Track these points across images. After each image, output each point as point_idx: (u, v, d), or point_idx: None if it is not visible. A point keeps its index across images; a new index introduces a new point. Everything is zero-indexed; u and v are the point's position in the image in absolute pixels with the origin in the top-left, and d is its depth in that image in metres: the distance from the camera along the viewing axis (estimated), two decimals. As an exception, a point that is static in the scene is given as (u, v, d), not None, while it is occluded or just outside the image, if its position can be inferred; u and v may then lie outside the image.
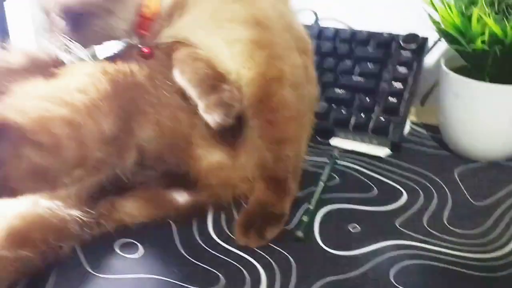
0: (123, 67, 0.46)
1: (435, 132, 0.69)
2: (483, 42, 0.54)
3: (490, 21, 0.53)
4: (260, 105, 0.49)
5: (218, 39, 0.49)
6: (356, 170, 0.62)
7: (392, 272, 0.45)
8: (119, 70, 0.46)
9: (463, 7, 0.56)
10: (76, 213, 0.46)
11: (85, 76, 0.44)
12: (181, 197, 0.52)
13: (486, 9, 0.54)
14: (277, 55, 0.49)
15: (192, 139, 0.48)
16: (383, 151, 0.64)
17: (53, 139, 0.39)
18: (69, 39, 0.47)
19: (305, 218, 0.52)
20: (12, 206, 0.44)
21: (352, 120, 0.67)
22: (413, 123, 0.72)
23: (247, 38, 0.48)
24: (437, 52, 0.76)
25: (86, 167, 0.42)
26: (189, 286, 0.43)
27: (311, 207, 0.53)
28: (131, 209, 0.49)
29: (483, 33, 0.54)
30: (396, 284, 0.44)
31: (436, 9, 0.60)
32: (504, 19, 0.54)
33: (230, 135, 0.49)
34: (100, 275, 0.45)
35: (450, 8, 0.57)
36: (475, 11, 0.54)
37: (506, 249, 0.48)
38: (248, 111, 0.49)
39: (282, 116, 0.49)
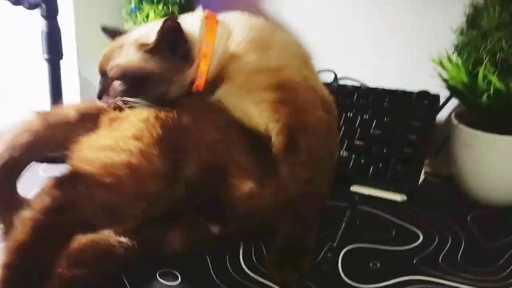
0: (171, 112, 0.54)
1: (447, 181, 0.74)
2: (488, 97, 0.61)
3: (494, 79, 0.60)
4: (286, 151, 0.55)
5: (247, 102, 0.57)
6: (375, 214, 0.67)
7: (411, 304, 0.49)
8: (168, 115, 0.53)
9: (470, 66, 0.63)
10: (124, 239, 0.51)
11: (140, 122, 0.52)
12: (215, 228, 0.57)
13: (491, 68, 0.61)
14: (301, 109, 0.56)
15: (228, 168, 0.54)
16: (399, 197, 0.69)
17: (117, 180, 0.47)
18: (125, 99, 0.55)
19: (329, 254, 0.56)
20: None
21: (371, 169, 0.72)
22: (427, 173, 0.77)
23: (271, 99, 0.56)
24: (450, 107, 0.82)
25: (146, 200, 0.48)
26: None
27: (335, 245, 0.58)
28: (172, 239, 0.54)
29: (488, 90, 0.61)
30: (415, 314, 0.48)
31: (445, 69, 0.67)
32: (506, 77, 0.60)
33: (262, 165, 0.55)
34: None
35: (458, 67, 0.64)
36: (481, 70, 0.61)
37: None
38: (278, 156, 0.55)
39: (306, 160, 0.55)
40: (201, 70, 0.57)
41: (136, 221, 0.51)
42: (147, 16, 0.87)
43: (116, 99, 0.56)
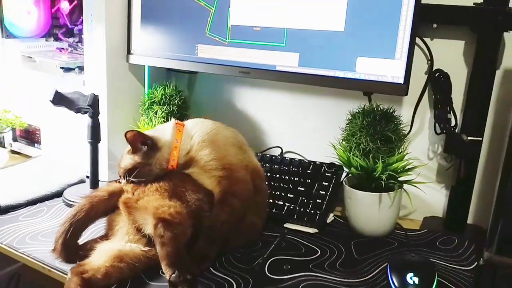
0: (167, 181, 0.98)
1: (346, 221, 1.16)
2: (356, 169, 1.04)
3: (358, 160, 1.03)
4: (218, 204, 0.97)
5: (204, 177, 0.99)
6: (297, 240, 1.08)
7: (302, 286, 0.90)
8: (166, 184, 0.97)
9: (347, 150, 1.07)
10: (146, 249, 0.93)
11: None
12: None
13: (357, 153, 1.04)
14: (234, 182, 0.99)
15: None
16: (312, 230, 1.11)
17: (178, 219, 0.90)
18: (131, 179, 0.99)
19: (260, 260, 0.97)
20: (114, 245, 0.92)
21: (296, 212, 1.14)
22: (336, 215, 1.19)
23: (217, 175, 0.99)
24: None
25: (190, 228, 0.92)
26: None
27: (265, 256, 0.99)
28: None
29: (356, 165, 1.04)
30: (301, 290, 0.89)
31: (336, 150, 1.10)
32: (365, 158, 1.04)
33: None
34: (150, 282, 0.90)
35: (341, 151, 1.08)
36: (351, 154, 1.04)
37: (367, 276, 0.93)
38: (215, 205, 0.97)
39: (228, 210, 0.97)
40: (173, 157, 1.00)
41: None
42: (156, 113, 1.31)
43: (128, 179, 1.00)
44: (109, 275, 0.88)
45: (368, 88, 1.06)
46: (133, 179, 0.98)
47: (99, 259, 0.90)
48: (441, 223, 1.16)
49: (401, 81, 1.00)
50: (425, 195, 1.17)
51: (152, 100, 1.33)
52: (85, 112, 1.16)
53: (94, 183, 1.23)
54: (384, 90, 1.03)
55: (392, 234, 1.10)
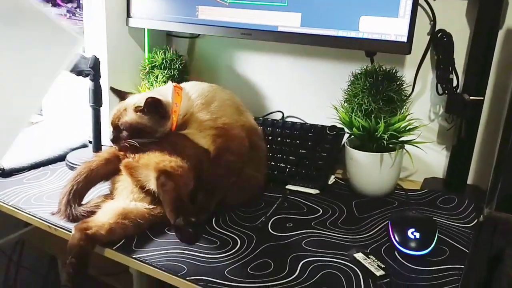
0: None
1: (347, 182, 1.17)
2: (358, 129, 1.05)
3: (361, 120, 1.04)
4: (214, 159, 0.99)
5: (200, 136, 1.00)
6: (299, 201, 1.09)
7: (304, 242, 0.92)
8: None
9: (349, 113, 1.07)
10: (151, 207, 0.94)
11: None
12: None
13: (359, 113, 1.04)
14: (229, 139, 1.00)
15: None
16: (314, 191, 1.12)
17: (180, 171, 0.92)
18: (129, 141, 0.98)
19: (263, 219, 0.99)
20: (119, 203, 0.93)
21: (298, 175, 1.15)
22: (337, 177, 1.20)
23: (212, 134, 1.00)
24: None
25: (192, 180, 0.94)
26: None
27: (268, 214, 1.00)
28: None
29: (358, 125, 1.04)
30: (305, 246, 0.90)
31: (338, 112, 1.11)
32: (367, 119, 1.04)
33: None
34: (155, 238, 0.91)
35: (343, 112, 1.08)
36: (353, 115, 1.04)
37: (370, 233, 0.95)
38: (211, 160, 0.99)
39: (223, 165, 0.99)
40: (173, 120, 1.01)
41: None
42: (157, 77, 1.31)
43: (125, 142, 0.99)
44: (113, 231, 0.90)
45: (371, 47, 1.06)
46: (131, 141, 0.98)
47: (104, 216, 0.91)
48: (441, 183, 1.17)
49: (405, 39, 0.99)
50: (426, 156, 1.18)
51: (153, 65, 1.32)
52: (87, 75, 1.16)
53: (97, 147, 1.23)
54: (387, 49, 1.03)
55: (393, 194, 1.12)
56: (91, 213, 0.96)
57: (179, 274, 0.82)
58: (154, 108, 0.99)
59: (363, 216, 1.02)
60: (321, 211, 1.04)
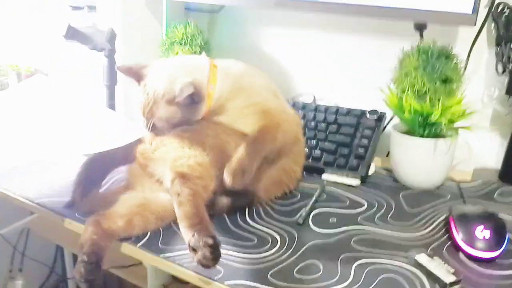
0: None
1: (389, 172, 1.06)
2: (409, 113, 0.93)
3: (413, 102, 0.92)
4: (258, 134, 0.86)
5: (239, 123, 0.88)
6: (338, 193, 0.98)
7: (353, 240, 0.80)
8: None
9: (399, 94, 0.95)
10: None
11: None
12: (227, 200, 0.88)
13: (411, 95, 0.92)
14: (274, 125, 0.88)
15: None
16: (355, 182, 1.01)
17: (199, 173, 0.79)
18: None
19: (303, 213, 0.87)
20: (139, 192, 0.83)
21: (335, 163, 1.04)
22: (378, 167, 1.09)
23: (255, 120, 0.87)
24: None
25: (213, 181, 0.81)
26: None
27: (307, 209, 0.89)
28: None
29: (409, 108, 0.93)
30: (356, 246, 0.79)
31: (386, 95, 0.99)
32: (421, 101, 0.92)
33: None
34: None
35: (392, 94, 0.96)
36: (405, 96, 0.92)
37: (426, 230, 0.84)
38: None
39: (269, 140, 0.86)
40: (207, 106, 0.88)
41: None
42: (177, 54, 1.19)
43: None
44: (132, 224, 0.79)
45: (430, 19, 0.93)
46: (167, 132, 0.87)
47: (121, 207, 0.80)
48: (495, 174, 1.05)
49: (469, 10, 0.87)
50: (475, 144, 1.07)
51: (173, 40, 1.20)
52: (101, 50, 1.04)
53: (112, 130, 1.11)
54: (449, 20, 0.90)
55: (442, 186, 1.00)
56: (109, 203, 0.84)
57: (216, 278, 0.71)
58: (191, 100, 0.85)
59: (414, 210, 0.91)
60: (366, 205, 0.93)
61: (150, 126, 0.88)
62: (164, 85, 0.85)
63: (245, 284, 0.69)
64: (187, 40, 1.18)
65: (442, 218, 0.87)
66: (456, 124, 0.95)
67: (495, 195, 0.96)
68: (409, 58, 0.94)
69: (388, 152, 1.14)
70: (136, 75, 0.90)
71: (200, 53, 1.19)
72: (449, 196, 0.96)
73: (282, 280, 0.70)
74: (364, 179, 1.02)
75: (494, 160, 1.09)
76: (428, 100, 0.90)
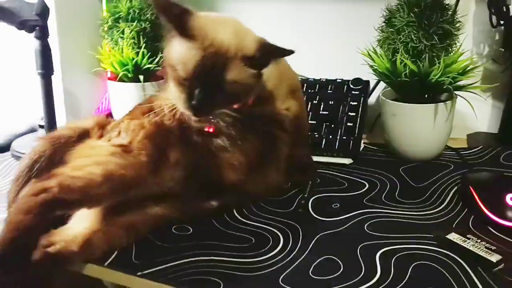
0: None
1: (380, 147, 0.95)
2: (405, 76, 0.82)
3: (409, 62, 0.81)
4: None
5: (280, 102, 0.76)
6: (332, 174, 0.85)
7: (366, 226, 0.68)
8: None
9: (390, 55, 0.84)
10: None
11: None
12: (215, 202, 0.73)
13: (405, 55, 0.81)
14: (301, 103, 0.81)
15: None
16: (347, 161, 0.89)
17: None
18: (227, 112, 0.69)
19: (302, 201, 0.74)
20: None
21: (323, 142, 0.91)
22: (365, 143, 0.97)
23: (291, 98, 0.78)
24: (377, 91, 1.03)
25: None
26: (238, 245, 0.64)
27: (306, 195, 0.76)
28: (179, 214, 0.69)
29: (405, 71, 0.81)
30: (371, 232, 0.66)
31: (372, 59, 0.87)
32: (418, 61, 0.81)
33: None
34: (162, 243, 0.64)
35: (381, 57, 0.85)
36: (398, 57, 0.81)
37: (443, 205, 0.73)
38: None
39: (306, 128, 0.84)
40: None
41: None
42: (123, 32, 1.01)
43: (221, 111, 0.67)
44: (91, 246, 0.61)
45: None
46: (228, 112, 0.69)
47: (77, 224, 0.63)
48: (492, 138, 0.97)
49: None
50: (466, 108, 0.98)
51: (116, 16, 1.01)
52: (32, 29, 0.84)
53: (51, 127, 0.92)
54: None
55: (441, 156, 0.90)
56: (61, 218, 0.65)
57: (215, 294, 0.56)
58: (267, 60, 0.66)
59: (421, 185, 0.80)
60: (367, 185, 0.81)
61: (200, 97, 0.63)
62: (234, 40, 0.64)
63: (255, 297, 0.55)
64: (135, 14, 1.01)
65: (454, 190, 0.77)
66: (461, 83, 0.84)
67: (501, 159, 0.88)
68: (398, 13, 0.83)
69: (372, 126, 1.03)
70: (176, 19, 0.64)
71: (151, 29, 1.03)
72: (452, 166, 0.86)
73: (299, 285, 0.56)
74: (356, 157, 0.90)
75: (487, 124, 1.01)
76: (426, 59, 0.80)
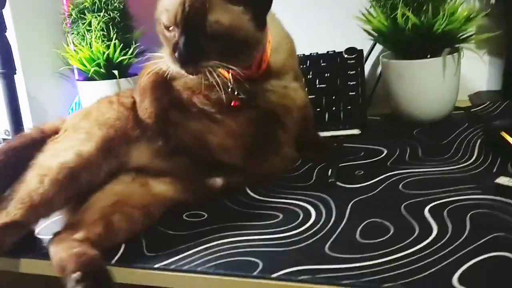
0: None
1: (382, 117, 0.89)
2: (408, 30, 0.76)
3: (411, 15, 0.75)
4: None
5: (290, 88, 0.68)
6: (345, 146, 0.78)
7: (401, 186, 0.61)
8: None
9: (388, 13, 0.78)
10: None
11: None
12: (219, 181, 0.64)
13: (405, 9, 0.76)
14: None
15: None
16: (355, 131, 0.82)
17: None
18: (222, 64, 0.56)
19: (332, 170, 0.67)
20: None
21: (326, 115, 0.84)
22: (367, 115, 0.91)
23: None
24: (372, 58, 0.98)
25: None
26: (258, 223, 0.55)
27: (336, 164, 0.69)
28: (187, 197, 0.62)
29: (407, 25, 0.76)
30: (408, 191, 0.59)
31: (369, 20, 0.81)
32: (419, 13, 0.76)
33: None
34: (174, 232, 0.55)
35: (379, 16, 0.79)
36: (399, 11, 0.76)
37: (473, 157, 0.67)
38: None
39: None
40: (267, 53, 0.62)
41: None
42: (90, 24, 0.91)
43: (212, 63, 0.55)
44: (114, 229, 0.54)
45: None
46: (225, 64, 0.57)
47: (90, 209, 0.54)
48: (495, 95, 0.93)
49: None
50: (464, 66, 0.92)
51: (81, 7, 0.92)
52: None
53: (17, 132, 0.81)
54: None
55: (451, 115, 0.85)
56: None
57: (254, 273, 0.46)
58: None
59: (442, 143, 0.74)
60: (386, 151, 0.74)
61: (188, 45, 0.54)
62: None
63: (302, 270, 0.46)
64: (101, 4, 0.91)
65: (479, 143, 0.71)
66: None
67: (516, 112, 0.84)
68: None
69: (370, 98, 0.97)
70: None
71: (121, 19, 0.93)
72: (467, 124, 0.81)
73: (347, 251, 0.48)
74: (364, 126, 0.83)
75: (485, 82, 0.96)
76: (430, 10, 0.74)
